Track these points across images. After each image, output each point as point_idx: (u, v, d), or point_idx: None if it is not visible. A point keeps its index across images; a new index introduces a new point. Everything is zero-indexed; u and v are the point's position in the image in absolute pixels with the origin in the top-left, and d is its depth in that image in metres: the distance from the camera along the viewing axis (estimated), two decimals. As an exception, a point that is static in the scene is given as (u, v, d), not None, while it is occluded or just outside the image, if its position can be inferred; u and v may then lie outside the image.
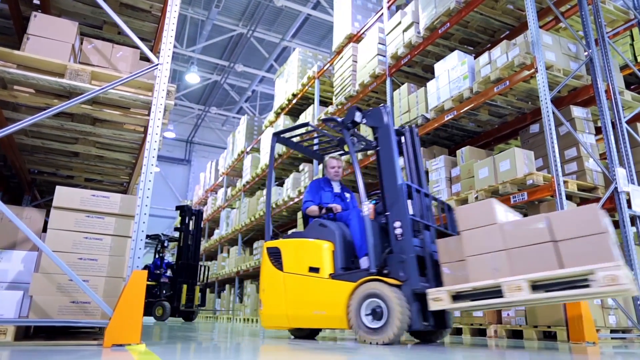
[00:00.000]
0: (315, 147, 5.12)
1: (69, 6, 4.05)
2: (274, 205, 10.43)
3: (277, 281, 3.92)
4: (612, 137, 4.65)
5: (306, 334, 4.29)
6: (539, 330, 4.32)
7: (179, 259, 9.50)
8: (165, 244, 10.15)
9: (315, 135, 5.17)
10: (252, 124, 13.42)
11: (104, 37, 4.31)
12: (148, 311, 8.87)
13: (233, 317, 12.56)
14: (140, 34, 4.43)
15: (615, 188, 4.40)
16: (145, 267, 9.89)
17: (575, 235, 2.74)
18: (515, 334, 4.65)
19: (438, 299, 3.07)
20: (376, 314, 3.23)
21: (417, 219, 3.53)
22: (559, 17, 5.11)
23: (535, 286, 2.74)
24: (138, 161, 4.22)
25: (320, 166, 8.72)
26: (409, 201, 3.55)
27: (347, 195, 4.55)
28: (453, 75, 5.60)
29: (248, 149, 12.95)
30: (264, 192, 11.29)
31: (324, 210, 4.11)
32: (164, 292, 9.24)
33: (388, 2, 7.34)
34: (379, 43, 7.22)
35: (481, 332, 4.98)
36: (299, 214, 9.16)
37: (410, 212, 3.51)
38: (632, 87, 6.27)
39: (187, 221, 9.69)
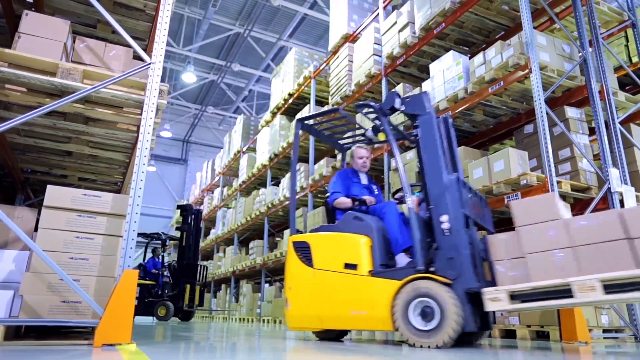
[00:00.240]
0: (335, 137, 4.80)
1: (62, 5, 4.04)
2: (269, 205, 10.42)
3: (306, 278, 3.61)
4: (605, 138, 4.66)
5: (334, 336, 3.99)
6: (532, 330, 4.34)
7: (182, 259, 9.46)
8: (167, 243, 10.09)
9: (339, 124, 4.75)
10: (249, 124, 13.42)
11: (97, 36, 4.29)
12: (150, 311, 8.81)
13: (229, 316, 12.54)
14: (134, 33, 4.41)
15: (609, 188, 4.42)
16: (141, 266, 9.85)
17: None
18: (509, 334, 4.66)
19: (496, 299, 2.85)
20: (426, 314, 2.99)
21: (468, 214, 3.24)
22: (554, 18, 5.12)
23: (608, 286, 2.56)
24: (131, 160, 4.21)
25: (317, 165, 8.73)
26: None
27: (375, 187, 4.29)
28: (448, 76, 5.61)
29: (244, 149, 12.94)
30: (260, 191, 11.28)
31: (356, 203, 3.80)
32: (166, 291, 9.19)
33: (384, 2, 7.35)
34: (375, 43, 7.23)
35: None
36: (295, 214, 9.15)
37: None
38: (626, 87, 6.30)
39: (189, 220, 9.66)
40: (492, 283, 3.08)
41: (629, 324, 4.24)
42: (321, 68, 9.18)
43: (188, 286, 9.29)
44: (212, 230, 15.28)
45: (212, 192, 16.16)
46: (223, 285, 13.60)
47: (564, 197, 4.56)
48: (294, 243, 3.81)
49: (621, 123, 4.88)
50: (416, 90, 6.18)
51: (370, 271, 3.37)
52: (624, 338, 4.37)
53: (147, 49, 4.55)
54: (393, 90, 3.91)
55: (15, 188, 5.11)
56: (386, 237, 3.56)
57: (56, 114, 3.39)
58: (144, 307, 8.81)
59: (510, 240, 3.03)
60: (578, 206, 4.63)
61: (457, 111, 5.42)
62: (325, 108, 8.52)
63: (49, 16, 3.22)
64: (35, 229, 2.95)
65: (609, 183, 4.43)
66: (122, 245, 2.70)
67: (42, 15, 3.17)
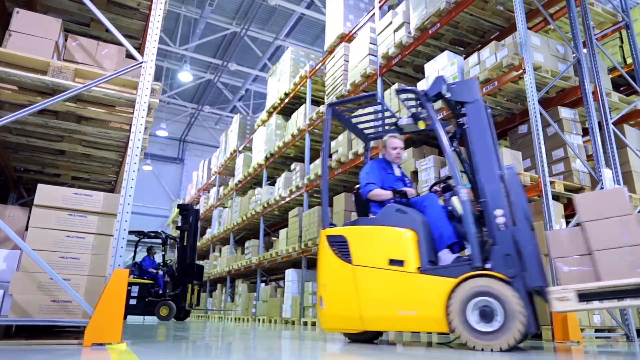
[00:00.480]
0: (362, 125, 4.54)
1: (55, 3, 4.02)
2: (265, 205, 10.42)
3: (343, 275, 3.33)
4: (598, 138, 4.68)
5: (367, 338, 3.66)
6: (525, 330, 4.33)
7: (184, 259, 9.43)
8: (168, 242, 10.03)
9: (368, 111, 4.46)
10: (245, 123, 13.41)
11: (91, 35, 4.28)
12: (150, 311, 8.73)
13: (224, 316, 12.53)
14: (128, 32, 4.40)
15: (602, 189, 4.43)
16: (136, 265, 9.78)
17: None
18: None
19: (564, 298, 2.66)
20: (485, 315, 2.78)
21: (525, 208, 3.02)
22: (548, 19, 5.13)
23: None
24: (125, 159, 4.19)
25: (313, 165, 8.73)
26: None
27: (407, 180, 4.08)
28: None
29: (240, 148, 12.93)
30: (256, 191, 11.27)
31: (397, 195, 3.55)
32: (168, 291, 9.14)
33: (380, 2, 7.35)
34: (371, 43, 7.23)
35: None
36: (291, 213, 9.16)
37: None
38: (621, 88, 6.32)
39: (190, 220, 9.62)
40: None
41: (621, 323, 4.25)
42: (317, 68, 9.18)
43: (190, 286, 9.27)
44: (208, 230, 15.27)
45: (208, 192, 16.15)
46: (219, 285, 13.59)
47: (557, 197, 4.57)
48: (329, 237, 3.51)
49: (614, 124, 4.90)
50: (411, 90, 6.17)
51: (418, 268, 3.12)
52: (616, 338, 4.39)
53: (141, 48, 4.54)
54: (440, 75, 3.52)
55: (8, 187, 5.09)
56: (430, 232, 3.32)
57: (48, 112, 3.37)
58: (144, 306, 8.72)
59: (574, 236, 2.83)
60: (571, 207, 4.64)
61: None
62: (318, 108, 8.51)
63: (40, 14, 3.21)
64: (27, 228, 2.94)
65: (602, 183, 4.45)
66: (113, 244, 2.69)
67: (33, 13, 3.15)
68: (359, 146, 7.11)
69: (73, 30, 4.28)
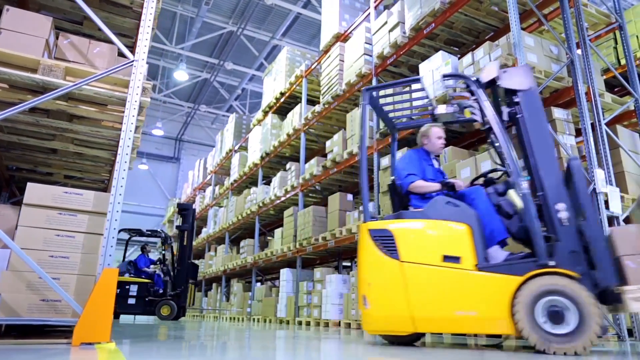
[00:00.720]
0: (394, 113, 4.28)
1: (48, 1, 4.00)
2: (260, 204, 10.41)
3: (390, 273, 3.08)
4: (591, 139, 4.69)
5: (408, 340, 3.39)
6: (517, 330, 4.34)
7: (184, 258, 9.38)
8: (169, 241, 9.97)
9: (404, 98, 4.24)
10: (241, 123, 13.40)
11: (84, 33, 4.26)
12: (150, 310, 8.63)
13: (220, 315, 12.52)
14: (121, 31, 4.39)
15: (594, 189, 4.44)
16: (131, 264, 9.72)
17: None
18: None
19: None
20: (556, 316, 2.62)
21: (586, 202, 2.86)
22: (542, 20, 5.15)
23: None
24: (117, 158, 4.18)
25: (308, 165, 8.72)
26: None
27: (444, 172, 3.90)
28: (437, 76, 5.62)
29: (236, 147, 12.92)
30: (251, 190, 11.26)
31: (444, 187, 3.35)
32: (169, 290, 9.07)
33: (375, 1, 7.35)
34: (366, 42, 7.23)
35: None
36: (286, 212, 9.15)
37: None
38: (615, 89, 6.34)
39: (190, 220, 9.58)
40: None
41: (612, 323, 4.27)
42: (313, 67, 9.18)
43: (192, 286, 9.23)
44: (204, 229, 15.25)
45: (204, 191, 16.13)
46: (214, 284, 13.57)
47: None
48: (372, 232, 3.23)
49: (607, 124, 4.92)
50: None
51: (476, 265, 2.91)
52: (607, 337, 4.41)
53: (134, 47, 4.53)
54: (493, 61, 3.48)
55: (0, 185, 5.06)
56: (483, 227, 3.10)
57: (39, 110, 3.36)
58: (144, 305, 8.60)
59: None
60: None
61: (445, 111, 5.42)
62: (314, 107, 8.50)
63: (30, 12, 3.19)
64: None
65: (595, 184, 4.46)
66: (103, 243, 2.68)
67: (24, 10, 3.13)
68: (353, 146, 7.11)
69: (66, 28, 4.25)
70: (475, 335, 4.35)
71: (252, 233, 11.52)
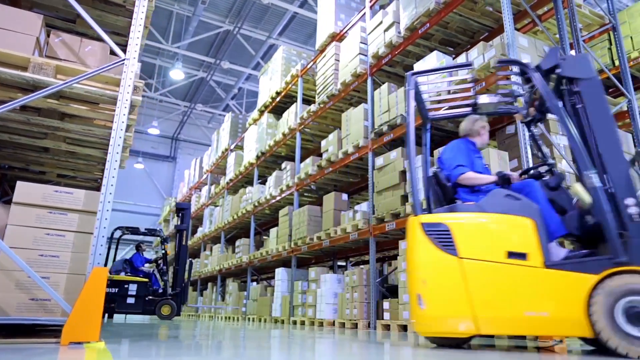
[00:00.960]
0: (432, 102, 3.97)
1: (40, -1, 3.98)
2: (256, 204, 10.40)
3: (448, 270, 2.88)
4: (584, 139, 4.71)
5: (457, 343, 3.19)
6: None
7: (182, 258, 9.34)
8: (168, 241, 9.90)
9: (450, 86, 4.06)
10: (237, 122, 13.38)
11: (77, 31, 4.24)
12: (150, 310, 8.55)
13: (215, 315, 12.50)
14: (114, 29, 4.37)
15: (586, 189, 4.45)
16: (127, 262, 9.68)
17: None
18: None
19: None
20: (637, 317, 2.47)
21: None
22: (535, 21, 5.16)
23: None
24: (108, 157, 4.17)
25: (303, 164, 8.72)
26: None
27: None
28: (432, 76, 5.63)
29: (232, 147, 12.90)
30: (247, 189, 11.25)
31: (501, 180, 3.15)
32: (169, 290, 9.02)
33: (370, 1, 7.35)
34: (361, 42, 7.24)
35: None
36: (281, 212, 9.15)
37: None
38: (610, 90, 6.37)
39: (188, 221, 9.54)
40: None
41: (604, 323, 4.28)
42: (308, 66, 9.18)
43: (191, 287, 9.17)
44: (199, 228, 15.23)
45: (200, 190, 16.11)
46: (209, 284, 13.56)
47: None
48: (425, 225, 3.01)
49: (600, 125, 4.93)
50: (401, 90, 6.19)
51: (544, 262, 2.75)
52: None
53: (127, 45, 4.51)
54: (554, 46, 3.17)
55: (-8, 184, 5.04)
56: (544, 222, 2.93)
57: (30, 109, 3.34)
58: (143, 305, 8.51)
59: None
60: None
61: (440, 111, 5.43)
62: (309, 107, 8.50)
63: (21, 10, 3.17)
64: (7, 226, 2.91)
65: (587, 184, 4.47)
66: (93, 242, 2.67)
67: (13, 8, 3.11)
68: (348, 145, 7.11)
69: (59, 26, 4.23)
70: (524, 337, 4.10)
71: (248, 232, 11.51)
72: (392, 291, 6.19)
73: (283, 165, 9.56)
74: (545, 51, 5.12)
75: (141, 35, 3.10)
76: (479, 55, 5.06)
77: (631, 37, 6.09)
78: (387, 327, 5.70)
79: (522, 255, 2.77)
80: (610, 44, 6.39)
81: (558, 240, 3.03)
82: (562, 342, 3.73)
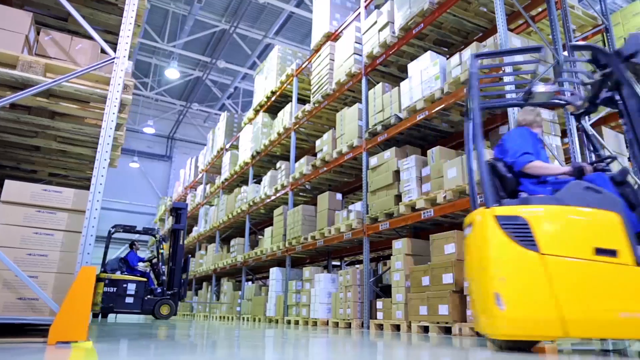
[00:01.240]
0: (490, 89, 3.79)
1: (31, -4, 3.96)
2: (251, 203, 10.38)
3: (529, 268, 2.65)
4: (576, 140, 4.73)
5: (523, 346, 2.95)
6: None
7: (180, 258, 9.29)
8: (165, 240, 9.83)
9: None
10: (232, 121, 13.36)
11: (69, 29, 4.22)
12: (149, 309, 8.48)
13: (210, 314, 12.48)
14: (106, 27, 4.36)
15: (578, 190, 4.47)
16: (122, 261, 9.62)
17: None
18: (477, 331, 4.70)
19: None
20: None
21: None
22: (529, 21, 5.17)
23: None
24: (97, 156, 4.15)
25: (298, 164, 8.70)
26: None
27: None
28: (425, 76, 5.64)
29: (227, 146, 12.88)
30: (242, 189, 11.23)
31: (574, 172, 2.97)
32: (166, 289, 8.97)
33: (365, 1, 7.36)
34: (356, 42, 7.24)
35: (447, 330, 5.03)
36: (276, 212, 9.14)
37: None
38: (601, 91, 6.39)
39: (184, 221, 9.49)
40: None
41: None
42: (303, 66, 9.17)
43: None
44: (195, 228, 15.20)
45: (195, 190, 16.08)
46: (204, 283, 13.53)
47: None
48: (500, 218, 2.74)
49: (593, 125, 4.96)
50: (395, 90, 6.19)
51: (637, 259, 2.58)
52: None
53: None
54: (635, 32, 3.00)
55: (-17, 183, 5.01)
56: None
57: (20, 107, 3.32)
58: (142, 304, 8.42)
59: None
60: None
61: (433, 111, 5.44)
62: (304, 106, 8.49)
63: (9, 7, 3.15)
64: None
65: (579, 184, 4.48)
66: (81, 241, 2.66)
67: (2, 5, 3.09)
68: (343, 145, 7.11)
69: (50, 24, 4.22)
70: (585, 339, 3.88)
71: (243, 232, 11.49)
72: (385, 291, 6.20)
73: (278, 165, 9.55)
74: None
75: (131, 33, 3.08)
76: (472, 56, 5.06)
77: (624, 39, 6.11)
78: (380, 327, 5.70)
79: (612, 252, 2.58)
80: (604, 45, 6.41)
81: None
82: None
